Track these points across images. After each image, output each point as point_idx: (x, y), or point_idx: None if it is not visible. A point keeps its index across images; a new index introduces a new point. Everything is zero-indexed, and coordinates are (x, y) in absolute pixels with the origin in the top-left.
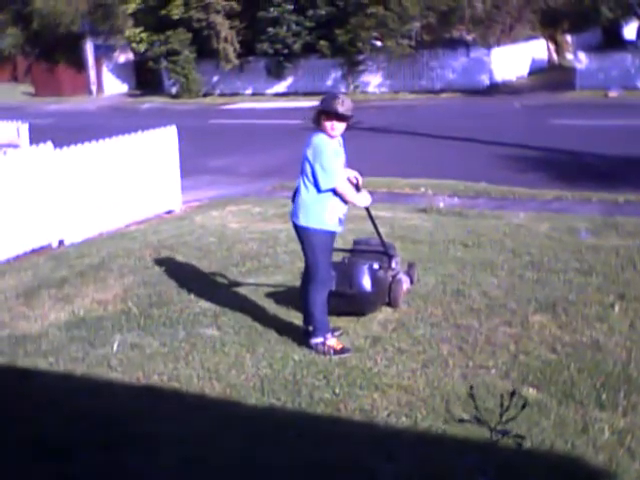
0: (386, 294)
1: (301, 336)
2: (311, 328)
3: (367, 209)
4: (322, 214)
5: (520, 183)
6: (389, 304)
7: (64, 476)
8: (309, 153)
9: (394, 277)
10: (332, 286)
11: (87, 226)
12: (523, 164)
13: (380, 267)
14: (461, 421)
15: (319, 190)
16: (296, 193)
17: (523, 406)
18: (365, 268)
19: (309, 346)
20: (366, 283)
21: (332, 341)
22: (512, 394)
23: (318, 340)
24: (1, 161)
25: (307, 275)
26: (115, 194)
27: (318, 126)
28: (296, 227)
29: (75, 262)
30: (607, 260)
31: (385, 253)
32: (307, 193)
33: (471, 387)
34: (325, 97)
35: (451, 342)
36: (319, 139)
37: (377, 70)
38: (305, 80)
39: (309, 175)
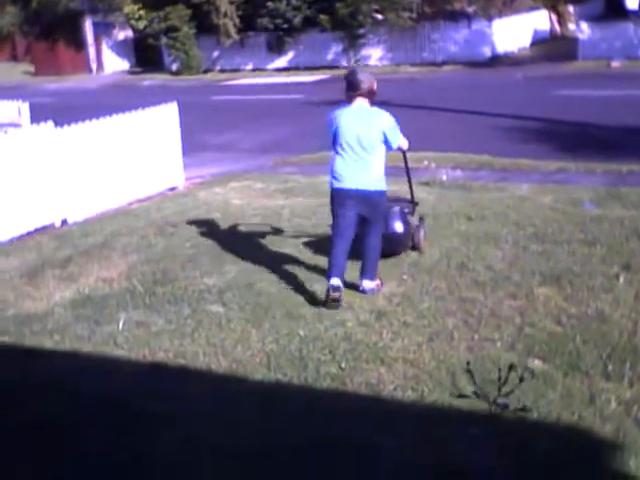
0: (410, 238)
1: (306, 311)
2: (368, 280)
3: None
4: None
5: (523, 155)
6: (413, 247)
7: (69, 455)
8: (383, 123)
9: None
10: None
11: (90, 205)
12: (526, 136)
13: (408, 212)
14: (461, 396)
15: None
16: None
17: (520, 380)
18: (398, 212)
19: (362, 291)
20: (399, 226)
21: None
22: (510, 367)
23: (374, 284)
24: (2, 140)
25: (371, 230)
26: (117, 172)
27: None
28: (368, 193)
29: (79, 241)
30: (611, 231)
31: (412, 201)
32: (380, 162)
33: (467, 363)
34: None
35: (456, 315)
36: (382, 112)
37: (378, 43)
38: (306, 54)
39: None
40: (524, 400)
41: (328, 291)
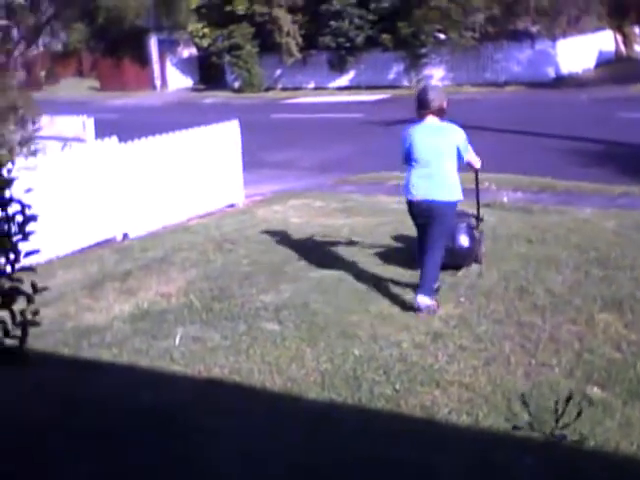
0: (474, 251)
1: (361, 331)
2: (423, 296)
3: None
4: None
5: (586, 178)
6: (475, 260)
7: (125, 467)
8: (455, 138)
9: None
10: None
11: (151, 220)
12: (589, 158)
13: (473, 227)
14: (515, 428)
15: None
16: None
17: (579, 413)
18: (465, 227)
19: (417, 308)
20: (465, 240)
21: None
22: (568, 398)
23: (429, 301)
24: (67, 155)
25: (431, 244)
26: (178, 188)
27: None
28: (436, 203)
29: (139, 255)
30: None
31: (476, 217)
32: (453, 174)
33: (522, 394)
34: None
35: (514, 339)
36: (455, 127)
37: (440, 63)
38: (367, 74)
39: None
40: (581, 428)
41: (417, 310)
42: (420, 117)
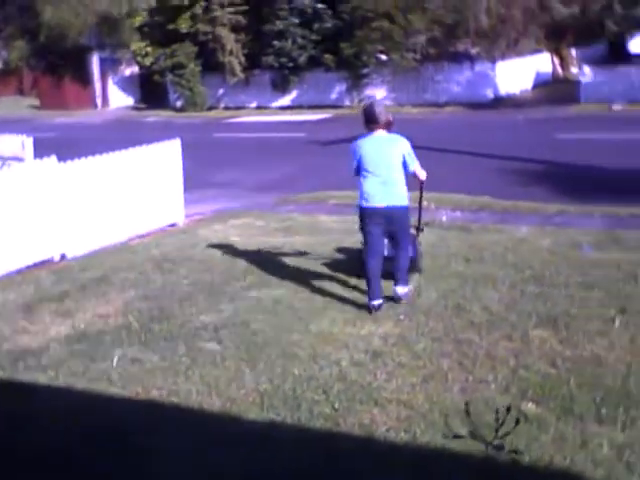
0: (418, 260)
1: (301, 350)
2: (402, 286)
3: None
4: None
5: (523, 197)
6: (417, 269)
7: None
8: (403, 148)
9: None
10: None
11: (90, 240)
12: (526, 178)
13: (415, 238)
14: (456, 437)
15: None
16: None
17: (517, 422)
18: (413, 237)
19: (398, 298)
20: (411, 249)
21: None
22: (508, 409)
23: (407, 288)
24: (5, 175)
25: (399, 243)
26: (118, 207)
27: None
28: (395, 208)
29: (77, 276)
30: (609, 274)
31: (417, 227)
32: (402, 181)
33: (466, 403)
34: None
35: (451, 357)
36: (400, 138)
37: (382, 83)
38: (310, 93)
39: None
40: (517, 444)
41: (371, 311)
42: (369, 130)
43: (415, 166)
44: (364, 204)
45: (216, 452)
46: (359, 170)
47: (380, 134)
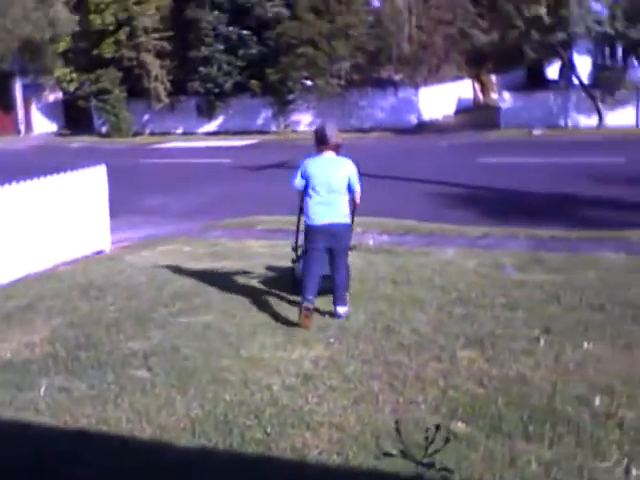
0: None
1: (232, 375)
2: (341, 306)
3: None
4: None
5: (449, 220)
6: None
7: None
8: (349, 170)
9: None
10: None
11: (14, 267)
12: (452, 201)
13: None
14: (386, 455)
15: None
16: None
17: (447, 440)
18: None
19: (338, 316)
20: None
21: None
22: (437, 427)
23: (346, 308)
24: None
25: (339, 261)
26: (43, 234)
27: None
28: (339, 226)
29: (1, 304)
30: (532, 295)
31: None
32: (346, 201)
33: (396, 422)
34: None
35: (382, 378)
36: (348, 161)
37: (307, 109)
38: (236, 119)
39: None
40: (447, 462)
41: (301, 312)
42: (319, 151)
43: (357, 188)
44: (310, 222)
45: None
46: (306, 188)
47: (329, 155)
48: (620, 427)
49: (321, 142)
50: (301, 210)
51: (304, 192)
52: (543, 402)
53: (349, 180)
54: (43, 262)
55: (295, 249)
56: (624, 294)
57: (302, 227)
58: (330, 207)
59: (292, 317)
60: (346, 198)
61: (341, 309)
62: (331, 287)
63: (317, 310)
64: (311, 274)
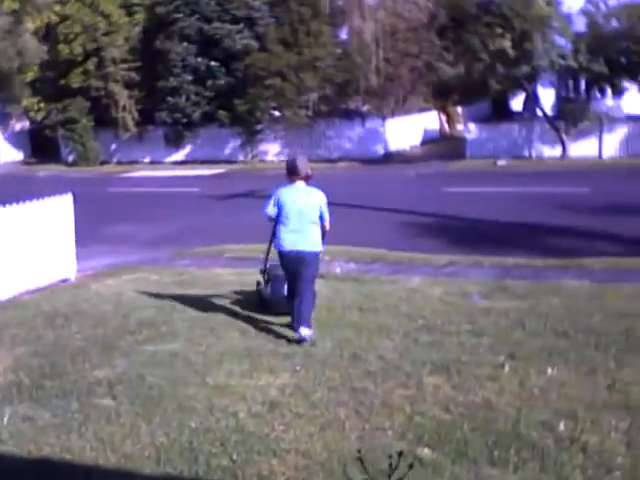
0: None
1: (198, 403)
2: (305, 328)
3: None
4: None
5: (415, 249)
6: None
7: None
8: (319, 200)
9: None
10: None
11: None
12: (418, 230)
13: None
14: None
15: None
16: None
17: (410, 466)
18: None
19: (302, 339)
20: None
21: None
22: (400, 454)
23: (310, 331)
24: None
25: (304, 286)
26: (7, 263)
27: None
28: (307, 253)
29: None
30: (498, 322)
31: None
32: (317, 229)
33: (358, 451)
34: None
35: (348, 405)
36: (318, 191)
37: (275, 139)
38: (204, 149)
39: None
40: None
41: (301, 341)
42: (290, 181)
43: (326, 217)
44: (281, 248)
45: None
46: (278, 216)
47: (300, 185)
48: (584, 451)
49: (292, 173)
50: (273, 235)
51: (276, 220)
52: (508, 427)
53: (320, 209)
54: (7, 290)
55: (264, 272)
56: (587, 321)
57: (272, 253)
58: (300, 235)
59: (259, 344)
60: (317, 226)
61: (304, 331)
62: (297, 310)
63: (284, 337)
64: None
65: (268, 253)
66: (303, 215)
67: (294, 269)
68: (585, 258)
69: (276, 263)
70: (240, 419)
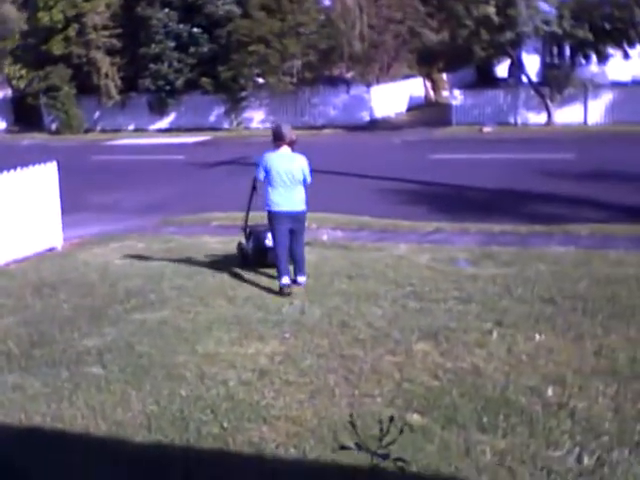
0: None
1: (188, 371)
2: (302, 276)
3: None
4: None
5: (402, 216)
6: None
7: None
8: (303, 164)
9: None
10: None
11: None
12: (404, 197)
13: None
14: (343, 448)
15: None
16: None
17: (401, 431)
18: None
19: (299, 284)
20: (269, 242)
21: None
22: (391, 419)
23: (305, 277)
24: None
25: (299, 239)
26: None
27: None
28: (296, 212)
29: None
30: (485, 288)
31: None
32: (303, 189)
33: (351, 415)
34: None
35: (337, 372)
36: (301, 156)
37: (260, 106)
38: (188, 116)
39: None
40: (403, 453)
41: (282, 289)
42: (276, 147)
43: (309, 179)
44: (272, 208)
45: (103, 477)
46: (267, 179)
47: (285, 151)
48: (572, 417)
49: (278, 139)
50: (252, 192)
51: (265, 181)
52: (497, 393)
53: (303, 172)
54: None
55: (245, 229)
56: (573, 287)
57: (252, 212)
58: (288, 196)
59: (248, 312)
60: (302, 187)
61: (301, 278)
62: (293, 261)
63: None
64: (280, 254)
65: (248, 212)
66: (289, 178)
67: (285, 228)
68: (571, 224)
69: (256, 223)
70: (230, 387)
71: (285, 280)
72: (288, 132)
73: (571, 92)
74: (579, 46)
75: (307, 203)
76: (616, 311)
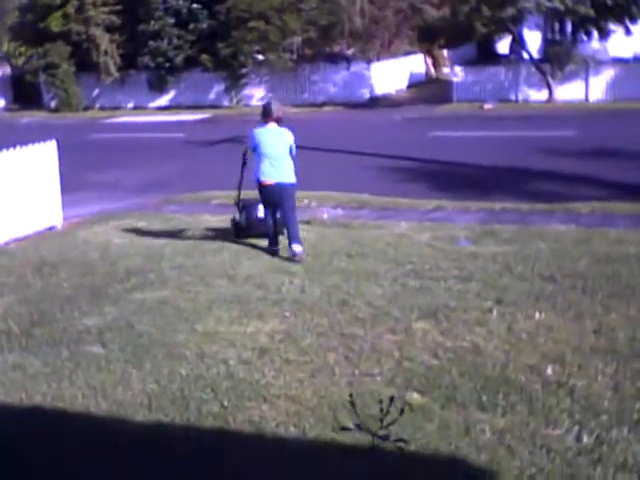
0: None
1: (188, 350)
2: (296, 244)
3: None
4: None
5: (402, 194)
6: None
7: None
8: (289, 138)
9: None
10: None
11: None
12: (405, 175)
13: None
14: (343, 429)
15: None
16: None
17: (401, 411)
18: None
19: (294, 254)
20: (260, 213)
21: None
22: (391, 399)
23: (301, 247)
24: None
25: (287, 212)
26: None
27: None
28: (284, 184)
29: None
30: (485, 267)
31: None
32: (291, 161)
33: (350, 395)
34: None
35: (337, 351)
36: (287, 131)
37: (260, 83)
38: (188, 93)
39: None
40: (403, 433)
41: (275, 253)
42: (264, 122)
43: (294, 153)
44: (261, 179)
45: (104, 457)
46: (257, 153)
47: (273, 126)
48: (571, 395)
49: (266, 115)
50: (242, 169)
51: (255, 154)
52: (496, 372)
53: (290, 146)
54: None
55: (237, 203)
56: (574, 265)
57: (245, 185)
58: (277, 168)
59: (248, 291)
60: (289, 160)
61: (297, 247)
62: (286, 231)
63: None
64: (269, 227)
65: (240, 186)
66: (278, 152)
67: (274, 199)
68: (571, 202)
69: (248, 198)
70: (230, 366)
71: (276, 248)
72: (276, 109)
73: (572, 69)
74: (580, 22)
75: (297, 174)
76: (616, 290)
